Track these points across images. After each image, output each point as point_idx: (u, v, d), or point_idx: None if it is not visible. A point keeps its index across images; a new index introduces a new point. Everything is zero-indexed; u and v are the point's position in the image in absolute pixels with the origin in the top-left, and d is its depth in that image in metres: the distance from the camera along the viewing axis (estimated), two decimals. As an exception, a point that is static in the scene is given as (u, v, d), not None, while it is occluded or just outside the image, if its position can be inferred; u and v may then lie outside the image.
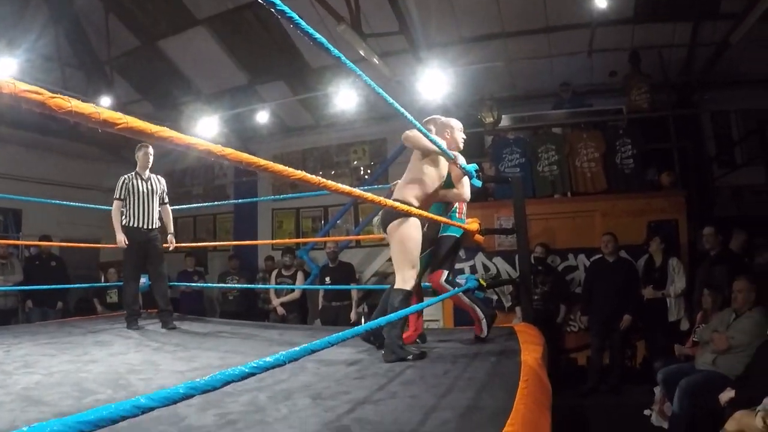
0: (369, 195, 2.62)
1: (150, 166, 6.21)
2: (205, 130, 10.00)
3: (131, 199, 6.01)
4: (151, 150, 6.16)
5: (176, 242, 6.47)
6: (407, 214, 3.76)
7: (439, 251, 4.68)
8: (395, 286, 3.97)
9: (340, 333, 2.14)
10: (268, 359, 1.65)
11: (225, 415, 2.67)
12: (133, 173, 6.15)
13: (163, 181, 6.34)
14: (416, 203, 3.98)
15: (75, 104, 1.25)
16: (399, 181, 4.69)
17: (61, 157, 12.59)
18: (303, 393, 3.07)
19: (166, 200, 6.32)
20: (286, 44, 10.08)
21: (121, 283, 7.31)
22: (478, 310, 4.65)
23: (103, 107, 1.39)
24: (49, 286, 8.10)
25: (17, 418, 2.75)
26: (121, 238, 5.97)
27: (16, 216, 12.71)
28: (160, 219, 6.28)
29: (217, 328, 6.10)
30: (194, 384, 1.38)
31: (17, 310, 9.16)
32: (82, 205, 8.09)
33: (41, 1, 10.41)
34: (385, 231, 4.11)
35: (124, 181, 6.08)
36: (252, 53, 10.49)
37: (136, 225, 6.01)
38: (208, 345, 4.80)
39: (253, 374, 1.57)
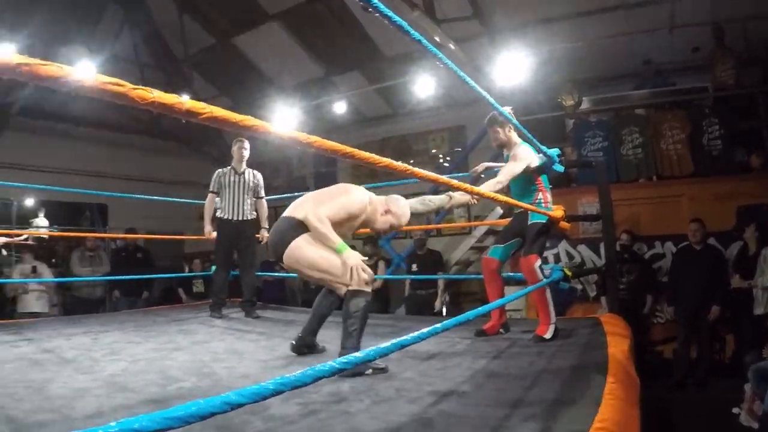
0: (455, 182, 2.55)
1: (245, 160, 6.43)
2: (284, 122, 10.10)
3: (225, 192, 6.27)
4: (246, 144, 6.39)
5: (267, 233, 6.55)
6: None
7: (528, 237, 4.61)
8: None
9: (437, 325, 2.10)
10: (357, 355, 1.65)
11: (308, 404, 2.67)
12: (228, 167, 6.40)
13: (258, 175, 6.53)
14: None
15: (157, 95, 1.26)
16: (483, 165, 4.62)
17: (143, 154, 13.06)
18: (386, 384, 3.05)
19: (262, 194, 6.53)
20: (360, 34, 10.08)
21: (207, 273, 7.57)
22: (552, 312, 4.47)
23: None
24: (135, 276, 8.38)
25: (103, 404, 2.85)
26: (209, 230, 6.20)
27: (102, 211, 13.33)
28: (255, 212, 6.45)
29: (298, 317, 6.15)
30: (284, 380, 1.38)
31: (105, 299, 9.55)
32: (164, 198, 8.37)
33: (117, 6, 10.80)
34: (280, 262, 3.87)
35: (218, 174, 6.29)
36: (326, 45, 10.55)
37: (227, 217, 6.25)
38: (290, 334, 4.83)
39: (343, 369, 1.55)
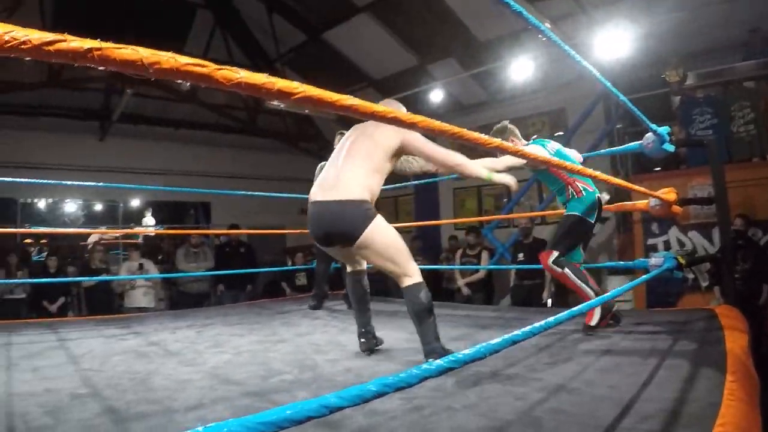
0: (567, 163, 2.37)
1: None
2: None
3: None
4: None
5: None
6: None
7: (557, 230, 4.38)
8: (407, 284, 3.40)
9: (550, 319, 1.97)
10: (466, 352, 1.55)
11: (411, 399, 2.55)
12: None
13: None
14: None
15: (244, 75, 1.21)
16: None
17: (242, 152, 13.40)
18: (492, 378, 2.92)
19: None
20: (452, 19, 9.88)
21: (309, 267, 7.63)
22: (589, 290, 4.13)
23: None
24: (239, 271, 8.53)
25: (205, 396, 2.85)
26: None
27: (206, 208, 13.81)
28: None
29: (402, 308, 6.02)
30: (387, 380, 1.29)
31: (210, 293, 9.78)
32: (265, 194, 8.51)
33: (206, 11, 11.08)
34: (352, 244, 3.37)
35: (320, 167, 6.28)
36: (418, 33, 10.41)
37: None
38: (393, 325, 4.76)
39: (451, 369, 1.47)
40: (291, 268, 9.60)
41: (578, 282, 4.18)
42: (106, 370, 3.58)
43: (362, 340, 3.82)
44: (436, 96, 10.67)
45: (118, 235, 12.27)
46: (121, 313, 8.22)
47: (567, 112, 10.80)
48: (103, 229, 11.96)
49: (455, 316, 5.57)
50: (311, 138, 13.91)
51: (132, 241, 12.06)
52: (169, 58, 1.09)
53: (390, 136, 3.48)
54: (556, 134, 10.77)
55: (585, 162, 4.68)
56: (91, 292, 8.93)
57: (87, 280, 8.70)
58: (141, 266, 8.73)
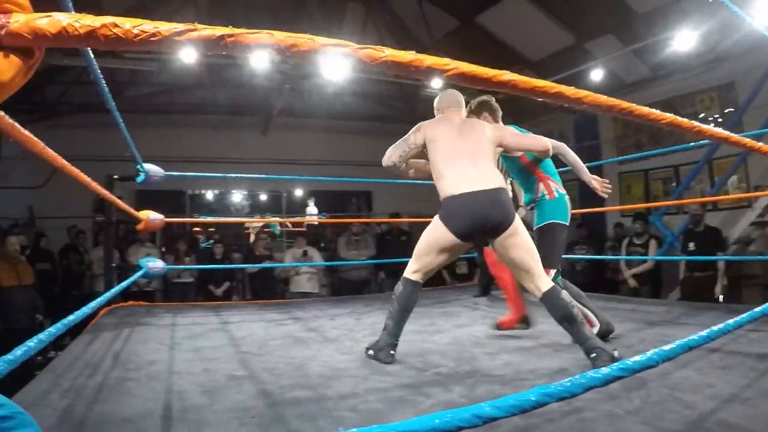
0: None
1: None
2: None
3: None
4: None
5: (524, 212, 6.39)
6: None
7: (542, 244, 3.81)
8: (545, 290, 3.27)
9: (729, 321, 1.86)
10: (636, 359, 1.43)
11: (571, 401, 2.31)
12: None
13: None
14: None
15: (390, 53, 1.20)
16: None
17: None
18: (659, 381, 2.66)
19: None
20: (607, -8, 9.29)
21: (471, 255, 7.52)
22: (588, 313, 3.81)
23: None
24: (400, 259, 8.54)
25: (358, 385, 2.81)
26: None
27: (367, 197, 14.05)
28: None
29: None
30: (548, 389, 1.22)
31: (370, 281, 9.88)
32: (426, 182, 8.41)
33: (356, 3, 11.17)
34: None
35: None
36: (573, 10, 9.87)
37: None
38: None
39: (619, 377, 1.36)
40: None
41: (578, 302, 3.74)
42: (264, 354, 3.66)
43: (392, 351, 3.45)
44: (596, 75, 10.10)
45: (288, 224, 12.77)
46: (284, 297, 8.49)
47: (737, 87, 9.84)
48: (265, 218, 12.48)
49: (620, 309, 5.23)
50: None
51: (295, 229, 12.47)
52: (306, 40, 1.09)
53: (490, 133, 3.56)
54: (726, 111, 9.86)
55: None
56: (256, 277, 9.33)
57: (251, 267, 9.06)
58: (305, 253, 8.97)
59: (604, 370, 1.34)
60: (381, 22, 11.71)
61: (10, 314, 6.59)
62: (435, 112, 3.83)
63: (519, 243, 3.28)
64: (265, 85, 11.53)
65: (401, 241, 9.82)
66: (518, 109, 11.97)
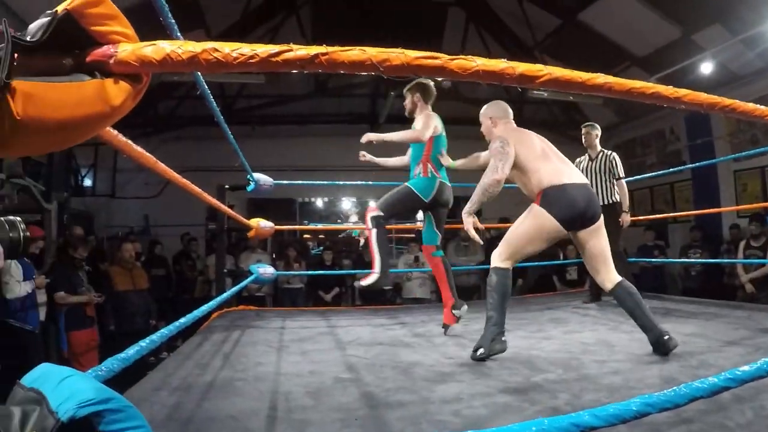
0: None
1: (596, 144, 6.38)
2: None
3: None
4: (594, 130, 6.40)
5: (634, 215, 6.38)
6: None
7: (390, 193, 4.91)
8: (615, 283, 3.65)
9: None
10: (747, 368, 1.39)
11: (680, 411, 2.25)
12: (586, 154, 6.42)
13: (613, 156, 6.31)
14: None
15: (481, 62, 1.23)
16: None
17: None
18: None
19: (620, 175, 6.22)
20: (713, -21, 8.84)
21: (580, 261, 7.36)
22: (378, 258, 4.71)
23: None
24: (510, 265, 8.48)
25: (463, 390, 2.82)
26: None
27: (468, 202, 13.96)
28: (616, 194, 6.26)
29: (677, 307, 5.67)
30: (651, 400, 1.20)
31: (479, 286, 9.84)
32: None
33: (457, 7, 11.13)
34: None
35: (575, 163, 6.13)
36: (677, 0, 9.46)
37: None
38: (668, 326, 4.34)
39: (728, 388, 1.32)
40: (562, 261, 9.33)
41: (375, 246, 4.65)
42: (370, 357, 3.74)
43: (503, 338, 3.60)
44: (706, 68, 9.62)
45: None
46: (395, 304, 8.59)
47: None
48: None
49: (735, 317, 4.98)
50: (578, 125, 13.44)
51: (407, 235, 12.56)
52: (398, 54, 1.12)
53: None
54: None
55: None
56: (366, 283, 9.45)
57: (360, 273, 9.20)
58: (416, 259, 9.05)
59: (712, 380, 1.31)
60: (482, 25, 11.66)
61: (125, 317, 7.04)
62: (488, 120, 4.40)
63: (601, 237, 3.67)
64: (370, 92, 11.72)
65: (511, 247, 9.73)
66: (626, 107, 11.65)
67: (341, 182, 8.77)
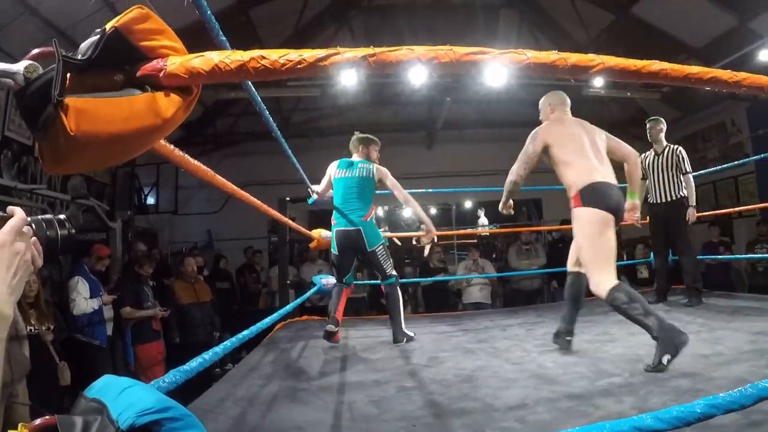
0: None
1: (661, 138, 6.21)
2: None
3: (649, 175, 6.16)
4: (659, 125, 6.23)
5: (698, 212, 6.20)
6: None
7: (382, 259, 5.05)
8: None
9: None
10: None
11: (749, 414, 2.13)
12: (650, 150, 6.26)
13: (680, 151, 6.15)
14: None
15: (531, 55, 1.24)
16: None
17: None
18: None
19: (687, 170, 6.05)
20: (766, -40, 8.51)
21: (649, 260, 7.30)
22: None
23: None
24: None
25: (528, 396, 2.79)
26: (637, 216, 6.12)
27: (537, 205, 13.82)
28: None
29: (746, 304, 5.45)
30: (716, 401, 1.16)
31: (542, 290, 9.71)
32: None
33: (508, 8, 11.05)
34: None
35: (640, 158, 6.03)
36: None
37: (654, 200, 6.13)
38: (736, 324, 4.23)
39: None
40: (630, 261, 9.13)
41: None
42: (434, 365, 3.73)
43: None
44: (765, 55, 9.26)
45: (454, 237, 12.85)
46: (457, 309, 8.55)
47: None
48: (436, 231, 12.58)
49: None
50: (638, 123, 13.14)
51: (467, 241, 12.49)
52: (446, 51, 1.12)
53: (604, 138, 4.03)
54: None
55: None
56: (429, 290, 9.44)
57: (424, 281, 9.20)
58: (476, 263, 8.98)
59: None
60: (535, 25, 11.54)
61: (189, 329, 7.16)
62: (543, 112, 4.38)
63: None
64: (426, 99, 11.72)
65: (573, 248, 9.57)
66: (685, 100, 11.34)
67: (415, 190, 8.74)
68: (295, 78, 10.60)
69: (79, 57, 0.99)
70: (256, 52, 1.00)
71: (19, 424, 0.87)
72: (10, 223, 0.90)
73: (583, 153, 3.82)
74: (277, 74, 1.03)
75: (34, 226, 0.97)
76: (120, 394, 0.93)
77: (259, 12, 9.50)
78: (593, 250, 3.62)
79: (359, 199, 5.04)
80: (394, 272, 5.08)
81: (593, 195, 3.66)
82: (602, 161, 3.84)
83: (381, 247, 5.04)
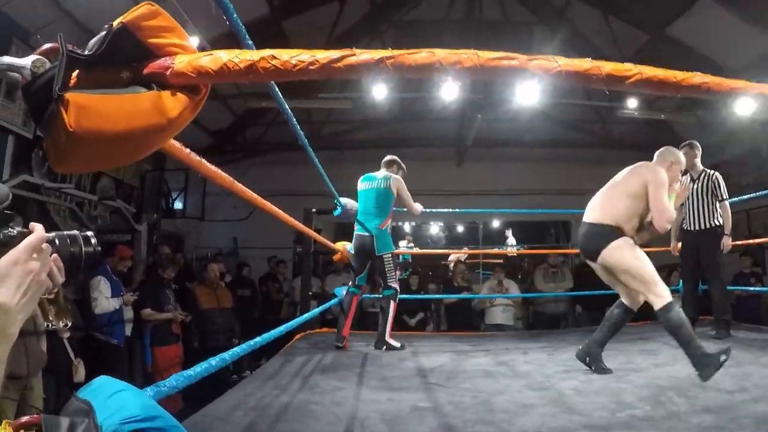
0: None
1: (695, 164, 5.95)
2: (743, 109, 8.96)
3: (685, 201, 5.88)
4: (695, 150, 5.95)
5: (731, 240, 5.98)
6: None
7: (388, 268, 5.54)
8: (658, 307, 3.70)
9: None
10: None
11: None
12: (687, 175, 6.00)
13: (716, 176, 5.95)
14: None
15: (563, 62, 1.20)
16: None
17: (599, 166, 12.89)
18: None
19: (724, 197, 5.88)
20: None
21: (676, 288, 7.19)
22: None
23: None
24: (598, 292, 8.23)
25: (545, 423, 2.73)
26: (674, 244, 5.97)
27: (565, 227, 13.67)
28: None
29: None
30: None
31: (567, 314, 9.57)
32: None
33: (542, 26, 10.99)
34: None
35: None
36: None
37: (688, 227, 5.95)
38: (764, 360, 4.10)
39: None
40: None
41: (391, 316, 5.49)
42: (451, 386, 3.66)
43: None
44: None
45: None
46: (479, 330, 8.45)
47: None
48: (465, 250, 12.48)
49: None
50: (670, 145, 12.91)
51: (494, 260, 12.38)
52: (470, 56, 1.08)
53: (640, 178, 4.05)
54: None
55: None
56: (452, 308, 9.33)
57: (446, 298, 9.12)
58: (500, 284, 8.88)
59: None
60: (568, 43, 11.47)
61: (209, 334, 7.17)
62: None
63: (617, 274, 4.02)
64: (456, 116, 11.68)
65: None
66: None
67: (427, 210, 8.71)
68: (327, 89, 10.68)
69: (86, 53, 0.96)
70: (266, 52, 0.97)
71: (4, 421, 0.85)
72: (27, 240, 0.87)
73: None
74: (289, 75, 0.99)
75: (57, 241, 0.94)
76: (110, 398, 0.90)
77: (291, 24, 9.56)
78: (639, 273, 3.86)
79: (377, 209, 5.53)
80: (396, 285, 5.54)
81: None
82: (606, 198, 4.14)
83: (389, 255, 5.51)
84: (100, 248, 0.99)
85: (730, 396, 3.16)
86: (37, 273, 0.87)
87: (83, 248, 0.96)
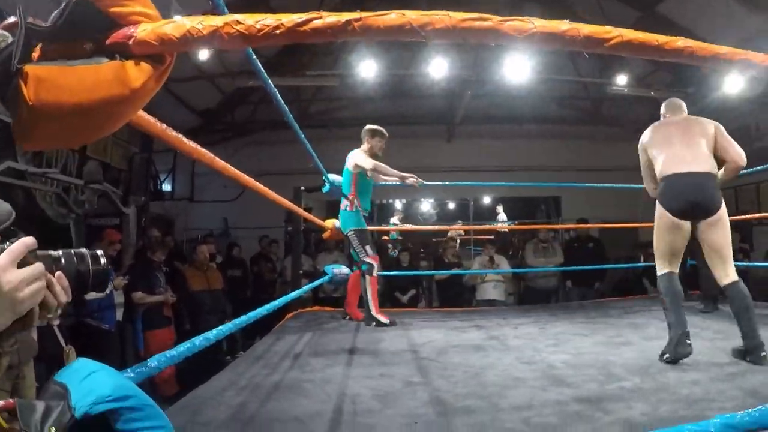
0: None
1: None
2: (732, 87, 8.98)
3: None
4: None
5: None
6: None
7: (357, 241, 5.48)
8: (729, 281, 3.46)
9: None
10: None
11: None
12: None
13: None
14: None
15: (539, 24, 1.16)
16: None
17: (589, 143, 12.94)
18: None
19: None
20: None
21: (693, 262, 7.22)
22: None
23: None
24: (587, 267, 8.24)
25: (535, 396, 2.73)
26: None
27: (556, 203, 13.68)
28: None
29: (764, 313, 5.24)
30: (732, 420, 1.10)
31: (557, 289, 9.59)
32: (614, 185, 8.36)
33: (532, 3, 10.97)
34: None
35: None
36: None
37: None
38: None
39: None
40: (642, 264, 8.98)
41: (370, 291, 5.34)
42: (442, 360, 3.67)
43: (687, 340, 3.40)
44: None
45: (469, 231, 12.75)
46: (471, 305, 8.46)
47: None
48: (459, 225, 12.48)
49: None
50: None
51: (484, 236, 12.38)
52: (442, 17, 1.05)
53: (711, 131, 3.80)
54: None
55: None
56: (444, 285, 9.32)
57: (437, 274, 9.11)
58: (491, 260, 8.87)
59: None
60: (558, 20, 11.42)
61: (200, 316, 7.12)
62: (661, 116, 4.12)
63: (718, 231, 3.53)
64: (446, 93, 11.62)
65: (589, 249, 9.43)
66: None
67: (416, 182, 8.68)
68: (315, 66, 10.60)
69: (45, 24, 0.93)
70: (231, 17, 0.93)
71: (-26, 406, 0.82)
72: (8, 249, 0.83)
73: (669, 143, 3.73)
74: (254, 40, 0.95)
75: (63, 259, 0.91)
76: (84, 379, 0.87)
77: (280, 1, 9.46)
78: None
79: (344, 189, 5.54)
80: (368, 260, 5.38)
81: (662, 191, 3.67)
82: (691, 147, 3.67)
83: (352, 232, 5.45)
84: (110, 267, 0.96)
85: (718, 369, 3.18)
86: (15, 287, 0.82)
87: (91, 267, 0.94)
